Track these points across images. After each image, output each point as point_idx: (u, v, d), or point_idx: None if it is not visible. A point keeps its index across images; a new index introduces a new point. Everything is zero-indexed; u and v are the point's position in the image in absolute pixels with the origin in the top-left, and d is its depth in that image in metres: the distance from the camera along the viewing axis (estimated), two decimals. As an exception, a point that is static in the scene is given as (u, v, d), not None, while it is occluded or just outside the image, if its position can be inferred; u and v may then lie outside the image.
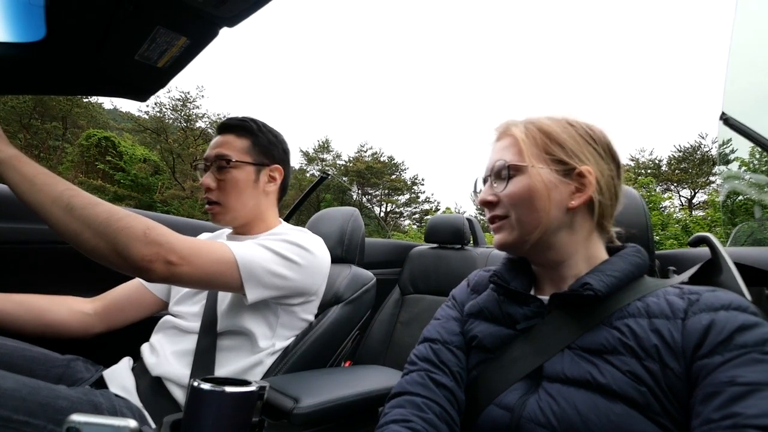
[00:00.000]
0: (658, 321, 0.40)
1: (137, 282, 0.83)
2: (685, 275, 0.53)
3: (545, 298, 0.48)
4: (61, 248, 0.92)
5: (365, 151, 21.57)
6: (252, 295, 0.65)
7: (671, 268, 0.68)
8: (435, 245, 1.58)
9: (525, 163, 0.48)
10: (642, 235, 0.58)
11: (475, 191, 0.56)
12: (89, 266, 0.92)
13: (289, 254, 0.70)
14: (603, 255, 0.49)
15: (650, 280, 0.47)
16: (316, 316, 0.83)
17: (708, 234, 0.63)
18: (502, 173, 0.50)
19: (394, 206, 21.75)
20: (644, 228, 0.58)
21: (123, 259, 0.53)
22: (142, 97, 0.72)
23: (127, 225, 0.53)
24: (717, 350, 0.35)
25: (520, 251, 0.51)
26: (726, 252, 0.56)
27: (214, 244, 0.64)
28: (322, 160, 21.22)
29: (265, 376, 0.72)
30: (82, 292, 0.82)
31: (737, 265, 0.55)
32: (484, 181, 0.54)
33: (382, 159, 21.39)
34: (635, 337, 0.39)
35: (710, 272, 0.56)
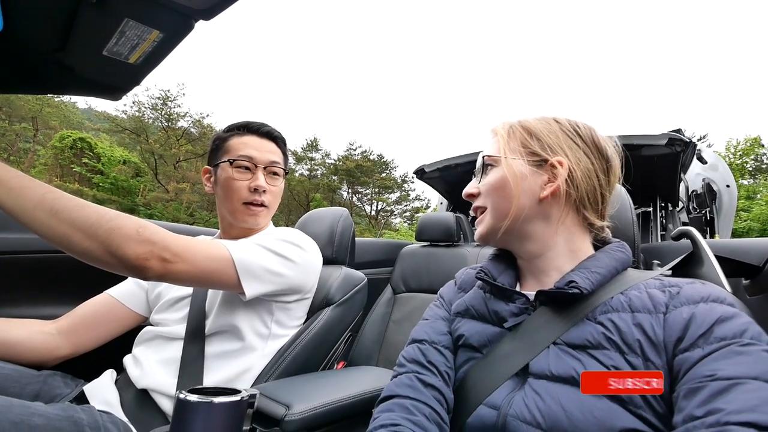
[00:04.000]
0: (641, 315, 0.40)
1: (106, 296, 0.79)
2: (667, 267, 0.54)
3: (531, 294, 0.48)
4: (45, 258, 0.87)
5: (354, 150, 21.36)
6: (250, 290, 0.65)
7: (655, 261, 0.70)
8: (426, 243, 1.58)
9: (499, 155, 0.50)
10: (627, 230, 0.59)
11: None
12: (73, 276, 0.87)
13: (284, 252, 0.71)
14: (588, 250, 0.50)
15: (633, 272, 0.47)
16: (308, 318, 0.82)
17: (690, 228, 0.65)
18: (482, 167, 0.53)
19: (384, 204, 21.73)
20: (629, 223, 0.60)
21: (117, 259, 0.52)
22: (115, 95, 0.68)
23: (118, 225, 0.52)
24: (698, 343, 0.36)
25: (496, 240, 0.52)
26: (706, 244, 0.58)
27: (210, 242, 0.64)
28: (311, 159, 20.97)
29: (257, 381, 0.71)
30: (66, 302, 0.77)
31: (717, 257, 0.56)
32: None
33: (371, 157, 21.23)
34: (619, 331, 0.39)
35: (692, 264, 0.58)
